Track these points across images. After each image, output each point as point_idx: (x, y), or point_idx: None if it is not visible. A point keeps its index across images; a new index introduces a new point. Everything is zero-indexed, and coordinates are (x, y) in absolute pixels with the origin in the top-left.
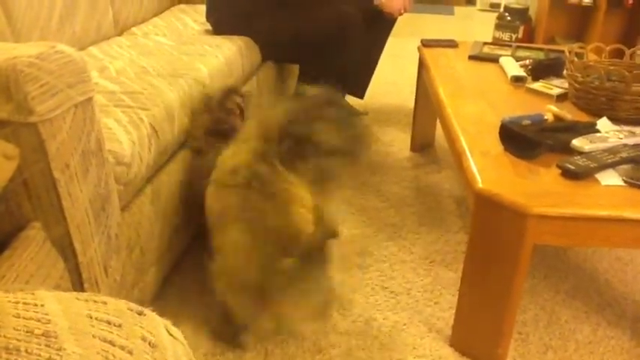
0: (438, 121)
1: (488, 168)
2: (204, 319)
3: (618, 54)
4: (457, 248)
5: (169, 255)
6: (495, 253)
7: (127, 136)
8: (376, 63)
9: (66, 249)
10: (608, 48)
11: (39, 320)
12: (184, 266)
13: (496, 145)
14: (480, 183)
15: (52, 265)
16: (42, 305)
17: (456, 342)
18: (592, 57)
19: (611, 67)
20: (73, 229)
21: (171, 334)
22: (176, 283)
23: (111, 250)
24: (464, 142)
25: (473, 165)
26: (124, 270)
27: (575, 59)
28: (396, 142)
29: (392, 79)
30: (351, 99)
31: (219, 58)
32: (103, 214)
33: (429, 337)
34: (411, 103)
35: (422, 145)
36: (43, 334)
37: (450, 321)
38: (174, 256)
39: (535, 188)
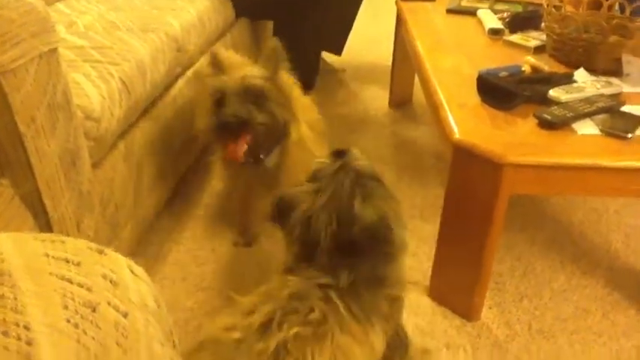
0: (416, 76)
1: (466, 119)
2: (181, 277)
3: (596, 6)
4: (435, 202)
5: (145, 212)
6: (472, 204)
7: (96, 91)
8: (354, 18)
9: (36, 205)
10: None
11: None
12: (161, 225)
13: (473, 97)
14: (457, 134)
15: (22, 222)
16: None
17: (434, 293)
18: (570, 9)
19: (589, 19)
20: (42, 185)
21: (134, 273)
22: (153, 241)
23: (83, 206)
24: (441, 95)
25: (450, 117)
26: (97, 227)
27: (553, 11)
28: (375, 99)
29: (370, 36)
30: (328, 56)
31: (192, 12)
32: (73, 169)
33: (407, 289)
34: (390, 60)
35: (400, 101)
36: None
37: (428, 273)
38: (151, 214)
39: (512, 138)
